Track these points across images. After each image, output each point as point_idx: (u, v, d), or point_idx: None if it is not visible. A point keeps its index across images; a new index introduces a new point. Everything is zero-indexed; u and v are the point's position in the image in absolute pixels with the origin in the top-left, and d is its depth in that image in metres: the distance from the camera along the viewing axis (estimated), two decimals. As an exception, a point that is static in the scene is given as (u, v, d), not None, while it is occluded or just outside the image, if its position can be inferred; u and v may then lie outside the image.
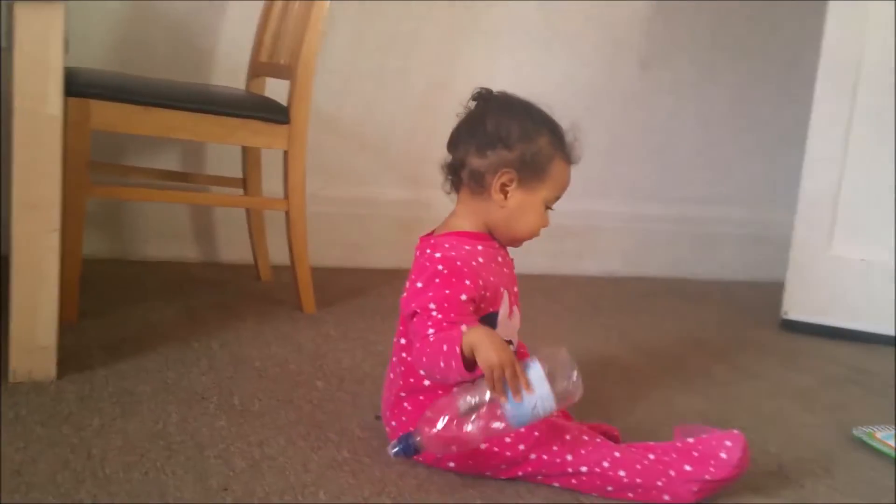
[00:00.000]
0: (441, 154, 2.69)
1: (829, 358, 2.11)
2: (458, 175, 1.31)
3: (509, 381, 1.14)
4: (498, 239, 1.33)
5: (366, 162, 2.60)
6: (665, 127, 2.86)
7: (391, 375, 1.35)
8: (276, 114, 1.96)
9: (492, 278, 1.27)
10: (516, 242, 1.34)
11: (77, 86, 1.76)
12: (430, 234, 1.33)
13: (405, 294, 1.27)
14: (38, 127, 1.42)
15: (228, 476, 1.22)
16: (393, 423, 1.32)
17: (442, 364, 1.17)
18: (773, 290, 2.43)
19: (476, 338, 1.15)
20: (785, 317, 2.34)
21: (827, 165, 2.28)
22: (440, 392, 1.26)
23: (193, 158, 2.43)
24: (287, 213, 2.02)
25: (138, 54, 2.32)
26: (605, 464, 1.25)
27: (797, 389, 1.86)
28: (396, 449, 1.21)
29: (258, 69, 2.22)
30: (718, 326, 2.34)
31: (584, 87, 2.75)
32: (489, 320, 1.27)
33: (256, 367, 1.66)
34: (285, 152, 1.98)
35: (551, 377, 1.17)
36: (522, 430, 1.24)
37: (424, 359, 1.20)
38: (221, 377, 1.59)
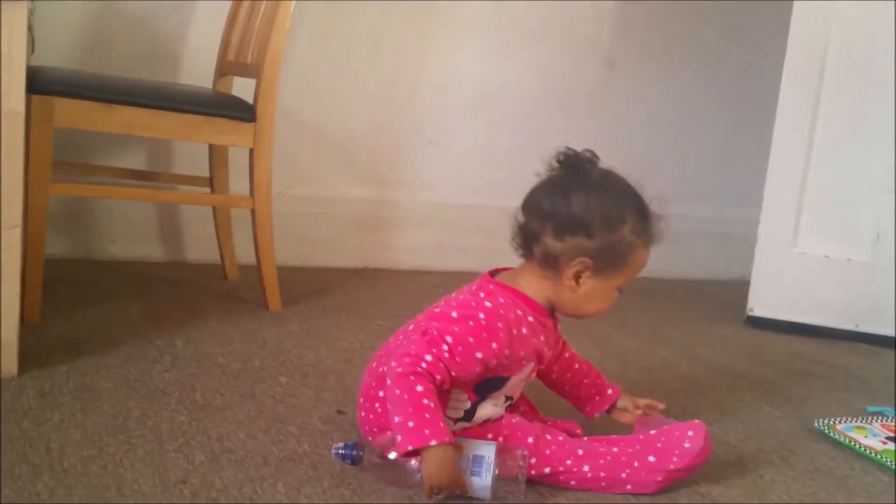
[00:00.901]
0: (404, 154, 2.69)
1: (792, 353, 2.13)
2: (529, 244, 1.26)
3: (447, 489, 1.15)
4: (561, 312, 1.30)
5: (330, 161, 2.60)
6: (630, 125, 2.88)
7: (382, 369, 1.28)
8: (242, 112, 1.96)
9: (522, 353, 1.25)
10: (579, 318, 1.31)
11: (41, 83, 1.75)
12: (495, 276, 1.29)
13: (437, 310, 1.25)
14: (0, 124, 1.41)
15: (187, 469, 1.22)
16: (371, 416, 1.30)
17: (396, 418, 1.15)
18: (738, 288, 2.46)
19: (430, 456, 1.13)
20: (750, 313, 2.36)
21: (791, 163, 2.31)
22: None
23: (160, 157, 2.42)
24: (253, 212, 2.02)
25: (105, 53, 2.30)
26: (569, 461, 1.25)
27: (760, 383, 1.87)
28: (340, 451, 1.23)
29: (225, 68, 2.22)
30: (683, 323, 2.35)
31: (549, 85, 2.77)
32: (498, 381, 1.26)
33: (219, 364, 1.66)
34: (251, 150, 1.98)
35: (498, 473, 1.17)
36: (489, 435, 1.26)
37: (396, 390, 1.16)
38: (184, 373, 1.59)
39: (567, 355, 1.45)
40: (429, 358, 1.17)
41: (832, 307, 2.31)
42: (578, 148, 1.28)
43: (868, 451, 1.50)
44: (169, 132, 1.96)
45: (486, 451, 1.19)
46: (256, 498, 1.16)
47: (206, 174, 2.26)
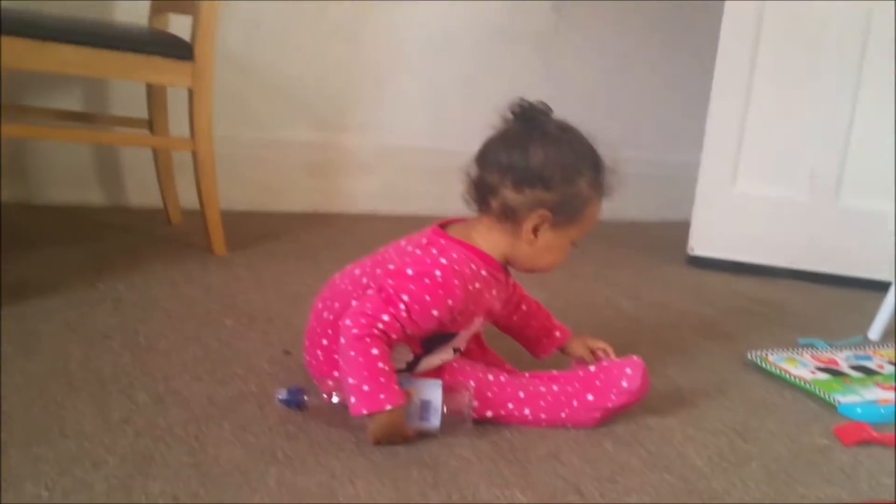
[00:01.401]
0: (354, 98, 2.66)
1: (730, 290, 2.19)
2: (486, 197, 1.25)
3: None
4: (514, 266, 1.30)
5: (279, 104, 2.57)
6: (576, 71, 2.89)
7: (330, 317, 1.29)
8: (179, 49, 1.92)
9: (474, 308, 1.25)
10: (533, 272, 1.32)
11: (-32, 22, 1.70)
12: (446, 229, 1.28)
13: (392, 268, 1.23)
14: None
15: (131, 409, 1.22)
16: (321, 355, 1.31)
17: (350, 380, 1.15)
18: (681, 229, 2.50)
19: (381, 418, 1.15)
20: (691, 253, 2.41)
21: (731, 106, 2.34)
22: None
23: (96, 99, 2.37)
24: (194, 154, 1.99)
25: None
26: (510, 405, 1.28)
27: (698, 319, 1.93)
28: (283, 397, 1.23)
29: (161, 4, 2.17)
30: (627, 264, 2.40)
31: (494, 28, 2.76)
32: (446, 336, 1.26)
33: (164, 308, 1.65)
34: (190, 91, 1.95)
35: (448, 405, 1.20)
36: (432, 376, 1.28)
37: (351, 352, 1.15)
38: (127, 317, 1.58)
39: (516, 298, 1.45)
40: (385, 318, 1.17)
41: (769, 246, 2.37)
42: (530, 96, 1.27)
43: (798, 381, 1.55)
44: (104, 71, 1.92)
45: (433, 394, 1.20)
46: (202, 437, 1.17)
47: (144, 115, 2.22)
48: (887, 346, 1.81)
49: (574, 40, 2.87)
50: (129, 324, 1.55)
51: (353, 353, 1.16)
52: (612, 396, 1.29)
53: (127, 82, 2.27)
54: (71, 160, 2.35)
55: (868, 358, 1.71)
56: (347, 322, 1.17)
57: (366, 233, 2.41)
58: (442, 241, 1.25)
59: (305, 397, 1.23)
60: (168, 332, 1.53)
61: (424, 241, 1.26)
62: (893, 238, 2.20)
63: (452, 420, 1.21)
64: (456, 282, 1.20)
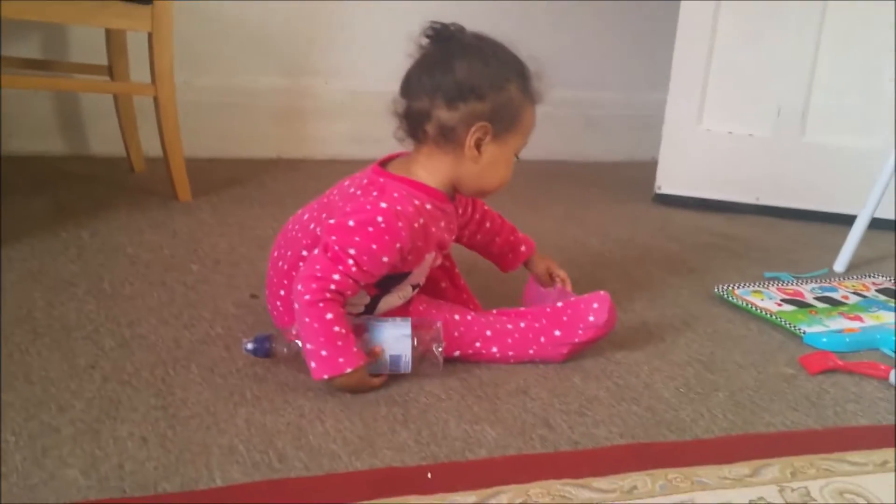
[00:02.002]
0: (321, 42, 2.61)
1: (697, 227, 2.20)
2: (420, 126, 1.21)
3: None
4: (463, 191, 1.27)
5: (240, 49, 2.51)
6: (543, 10, 2.85)
7: (285, 266, 1.28)
8: (137, -7, 1.87)
9: (420, 244, 1.22)
10: (483, 195, 1.30)
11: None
12: (386, 166, 1.25)
13: (333, 222, 1.19)
14: None
15: (97, 355, 1.22)
16: (280, 305, 1.31)
17: (308, 345, 1.15)
18: (649, 168, 2.50)
19: (344, 379, 1.15)
20: (658, 191, 2.42)
21: (697, 44, 2.33)
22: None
23: (55, 45, 2.31)
24: (156, 100, 1.96)
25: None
26: (478, 344, 1.29)
27: (664, 255, 1.94)
28: (250, 347, 1.21)
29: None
30: (595, 204, 2.40)
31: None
32: (400, 276, 1.25)
33: (128, 254, 1.64)
34: (150, 36, 1.91)
35: (417, 348, 1.20)
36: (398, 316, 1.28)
37: (305, 318, 1.14)
38: (91, 264, 1.56)
39: (478, 216, 1.44)
40: (336, 277, 1.14)
41: (735, 182, 2.38)
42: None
43: (764, 313, 1.57)
44: (62, 16, 1.88)
45: (402, 347, 1.19)
46: (169, 380, 1.16)
47: (105, 63, 2.17)
48: (852, 277, 1.83)
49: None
50: (93, 271, 1.53)
51: (307, 320, 1.14)
52: (580, 331, 1.30)
53: (86, 28, 2.22)
54: (31, 109, 2.30)
55: (833, 290, 1.73)
56: (299, 287, 1.15)
57: (332, 178, 2.32)
58: (381, 179, 1.22)
59: (272, 345, 1.21)
60: (133, 278, 1.51)
61: (365, 181, 1.23)
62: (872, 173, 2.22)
63: (424, 363, 1.22)
64: (400, 223, 1.17)
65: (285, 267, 1.28)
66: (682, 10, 2.31)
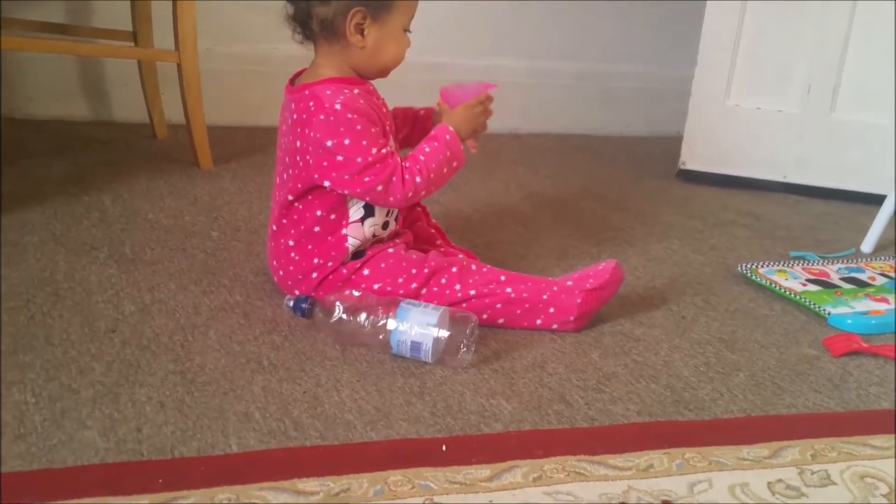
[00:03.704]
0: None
1: (720, 204, 2.17)
2: (307, 26, 1.26)
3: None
4: (366, 76, 1.31)
5: (261, 17, 2.49)
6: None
7: (274, 227, 1.33)
8: (162, -41, 1.87)
9: (377, 117, 1.26)
10: (385, 74, 1.32)
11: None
12: (301, 86, 1.28)
13: (312, 161, 1.23)
14: None
15: (117, 319, 1.22)
16: (281, 272, 1.33)
17: (448, 170, 1.28)
18: (672, 144, 2.47)
19: (451, 131, 1.28)
20: (682, 167, 2.39)
21: (726, 17, 2.28)
22: (329, 239, 1.28)
23: (79, 11, 2.30)
24: (179, 66, 1.95)
25: None
26: (492, 285, 1.30)
27: (687, 233, 1.92)
28: (291, 304, 1.23)
29: (142, -87, 2.10)
30: (616, 178, 2.37)
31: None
32: None
33: (149, 220, 1.64)
34: (174, 2, 1.90)
35: (449, 340, 1.17)
36: (413, 270, 1.28)
37: (429, 178, 1.25)
38: (113, 229, 1.57)
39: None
40: (409, 163, 1.24)
41: (761, 159, 2.34)
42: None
43: (788, 293, 1.55)
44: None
45: (425, 336, 1.17)
46: (188, 345, 1.17)
47: (129, 29, 2.17)
48: (880, 258, 1.80)
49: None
50: (115, 235, 1.53)
51: (432, 176, 1.25)
52: (590, 280, 1.32)
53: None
54: (54, 73, 2.30)
55: (860, 270, 1.71)
56: (390, 199, 1.24)
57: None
58: (306, 92, 1.25)
59: (312, 307, 1.22)
60: (153, 244, 1.52)
61: (293, 105, 1.27)
62: (893, 150, 2.18)
63: (447, 358, 1.19)
64: (360, 102, 1.23)
65: (274, 228, 1.33)
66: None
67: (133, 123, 2.32)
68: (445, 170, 1.28)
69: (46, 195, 1.69)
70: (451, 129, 1.29)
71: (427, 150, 1.27)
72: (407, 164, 1.25)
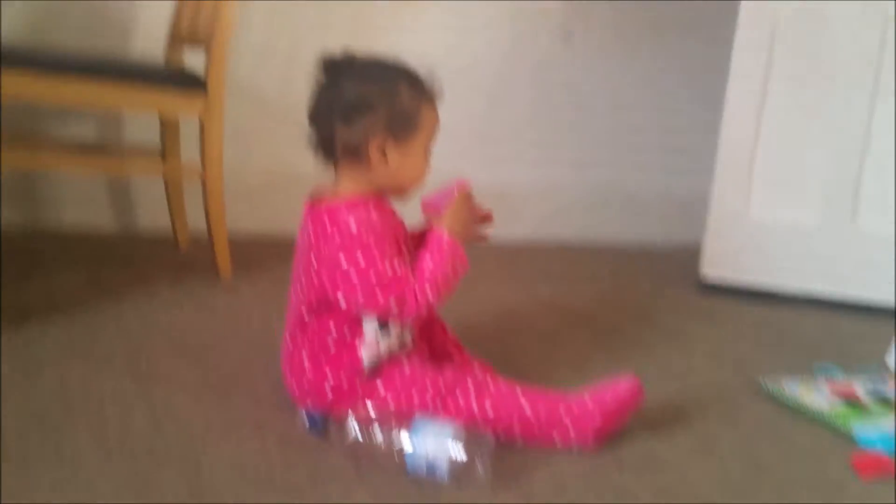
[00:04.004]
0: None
1: (742, 316, 2.15)
2: (329, 149, 1.30)
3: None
4: (386, 194, 1.33)
5: (286, 134, 2.54)
6: (583, 94, 2.87)
7: (289, 341, 1.33)
8: (192, 82, 1.94)
9: (391, 232, 1.28)
10: (405, 192, 1.33)
11: (-14, 55, 1.72)
12: (318, 203, 1.30)
13: (328, 282, 1.25)
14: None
15: (128, 433, 1.20)
16: (295, 386, 1.32)
17: (454, 275, 1.27)
18: (691, 253, 2.47)
19: (446, 236, 1.28)
20: (702, 277, 2.38)
21: (743, 127, 2.31)
22: (343, 354, 1.28)
23: (111, 129, 2.38)
24: (203, 182, 2.00)
25: (55, 26, 2.26)
26: (509, 403, 1.27)
27: (709, 345, 1.89)
28: (306, 419, 1.24)
29: (177, 40, 2.18)
30: (635, 288, 2.36)
31: (505, 55, 2.75)
32: None
33: (167, 332, 1.64)
34: (202, 121, 1.96)
35: (465, 459, 1.15)
36: (428, 386, 1.27)
37: (439, 287, 1.24)
38: (130, 341, 1.57)
39: None
40: (427, 280, 1.24)
41: (783, 270, 2.33)
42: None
43: (814, 410, 1.51)
44: (117, 103, 1.94)
45: (441, 452, 1.15)
46: (199, 462, 1.15)
47: (158, 143, 2.23)
48: (905, 373, 1.76)
49: (582, 65, 2.85)
50: (132, 347, 1.53)
51: (439, 286, 1.24)
52: (609, 399, 1.29)
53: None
54: (82, 186, 2.35)
55: (885, 385, 1.67)
56: (408, 312, 1.23)
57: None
58: (323, 209, 1.27)
59: (327, 424, 1.21)
60: (169, 356, 1.51)
61: (310, 224, 1.29)
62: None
63: (464, 477, 1.15)
64: (374, 220, 1.25)
65: (289, 341, 1.33)
66: (729, 92, 2.31)
67: (157, 234, 2.36)
68: (452, 277, 1.27)
69: (68, 306, 1.70)
70: (445, 234, 1.29)
71: (430, 262, 1.26)
72: (417, 281, 1.24)
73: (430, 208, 1.35)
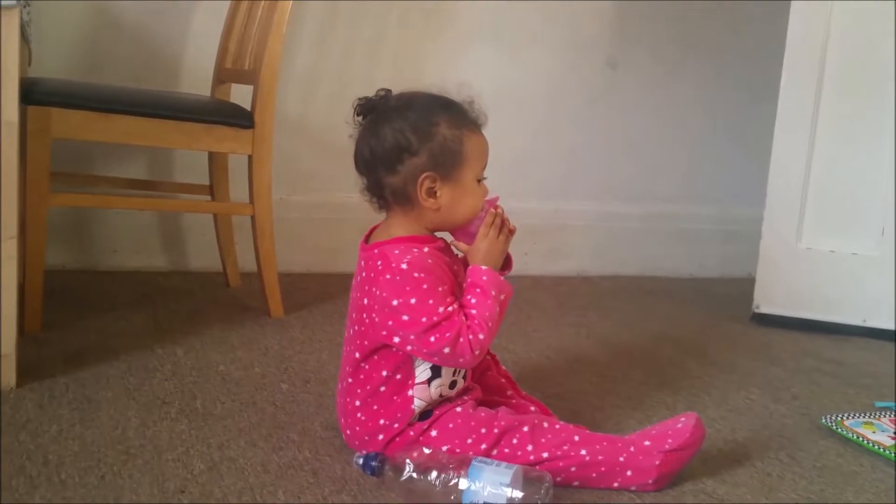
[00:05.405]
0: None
1: (799, 350, 2.11)
2: (380, 195, 1.29)
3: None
4: (446, 231, 1.32)
5: (333, 166, 2.56)
6: (633, 125, 2.86)
7: (342, 385, 1.33)
8: (241, 119, 1.95)
9: (448, 277, 1.26)
10: (458, 227, 1.31)
11: (37, 94, 1.75)
12: (372, 244, 1.30)
13: (378, 319, 1.24)
14: (-5, 134, 1.41)
15: (186, 478, 1.21)
16: (348, 431, 1.32)
17: (501, 308, 1.25)
18: (744, 285, 2.44)
19: (484, 270, 1.25)
20: (756, 310, 2.34)
21: (794, 159, 2.29)
22: (395, 399, 1.27)
23: (160, 166, 2.41)
24: (253, 219, 2.01)
25: (103, 64, 2.30)
26: (566, 447, 1.25)
27: (767, 381, 1.85)
28: (361, 462, 1.21)
29: (223, 75, 2.21)
30: (689, 322, 2.33)
31: (552, 86, 2.75)
32: None
33: (220, 372, 1.65)
34: (250, 157, 1.97)
35: (523, 501, 1.14)
36: (483, 430, 1.26)
37: (488, 327, 1.22)
38: (184, 382, 1.58)
39: None
40: (473, 330, 1.21)
41: (839, 302, 2.28)
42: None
43: (877, 447, 1.48)
44: (167, 141, 1.96)
45: (498, 497, 1.14)
46: (257, 506, 1.15)
47: (207, 181, 2.25)
48: (971, 408, 1.71)
49: (631, 94, 2.84)
50: (187, 389, 1.55)
51: (489, 327, 1.22)
52: (669, 440, 1.27)
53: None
54: (134, 225, 2.39)
55: (951, 421, 1.62)
56: (461, 356, 1.21)
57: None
58: (376, 251, 1.27)
59: (383, 466, 1.19)
60: (224, 397, 1.52)
61: (363, 263, 1.29)
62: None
63: None
64: (429, 261, 1.23)
65: (342, 385, 1.32)
66: (779, 122, 2.29)
67: (207, 272, 2.38)
68: (499, 310, 1.25)
69: (122, 348, 1.72)
70: (482, 267, 1.26)
71: (474, 301, 1.24)
72: (467, 323, 1.22)
73: (460, 234, 1.33)
